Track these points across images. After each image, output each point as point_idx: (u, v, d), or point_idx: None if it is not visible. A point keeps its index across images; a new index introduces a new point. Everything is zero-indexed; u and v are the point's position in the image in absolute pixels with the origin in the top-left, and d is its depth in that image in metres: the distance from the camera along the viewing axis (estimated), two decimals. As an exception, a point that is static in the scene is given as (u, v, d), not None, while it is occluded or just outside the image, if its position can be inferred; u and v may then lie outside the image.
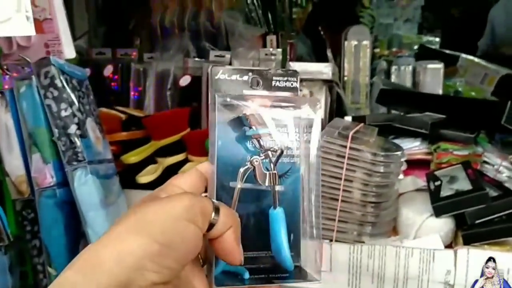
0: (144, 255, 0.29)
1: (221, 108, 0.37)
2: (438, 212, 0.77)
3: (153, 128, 1.02)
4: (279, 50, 1.28)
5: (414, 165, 0.93)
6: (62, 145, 0.71)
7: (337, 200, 0.75)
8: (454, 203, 0.76)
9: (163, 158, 0.98)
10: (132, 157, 0.97)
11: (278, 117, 0.38)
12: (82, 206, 0.71)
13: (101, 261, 0.28)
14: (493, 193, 0.78)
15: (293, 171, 0.38)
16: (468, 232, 0.75)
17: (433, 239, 0.75)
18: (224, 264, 0.35)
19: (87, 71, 0.90)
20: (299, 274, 0.38)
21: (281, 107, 0.38)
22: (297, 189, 0.39)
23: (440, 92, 1.30)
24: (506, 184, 0.85)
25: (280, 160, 0.38)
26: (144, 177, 0.93)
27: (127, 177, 0.90)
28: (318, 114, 0.39)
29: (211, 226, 0.32)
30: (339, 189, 0.75)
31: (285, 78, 0.39)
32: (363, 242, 0.76)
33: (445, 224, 0.77)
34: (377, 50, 1.97)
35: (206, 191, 0.37)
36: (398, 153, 0.77)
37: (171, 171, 0.95)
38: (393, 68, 1.38)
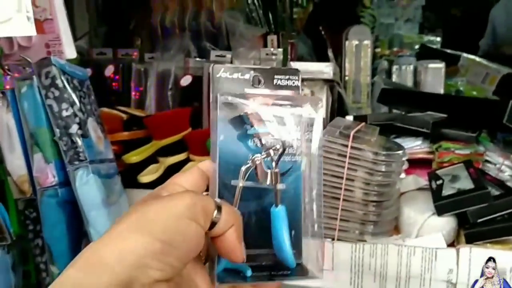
0: (146, 253, 0.29)
1: (222, 107, 0.37)
2: (440, 211, 0.77)
3: (154, 128, 1.02)
4: (280, 50, 1.27)
5: (415, 164, 0.93)
6: (64, 145, 0.71)
7: (339, 199, 0.75)
8: (456, 202, 0.76)
9: (164, 157, 0.98)
10: (133, 157, 0.97)
11: (280, 115, 0.38)
12: (84, 206, 0.71)
13: (103, 259, 0.28)
14: (495, 192, 0.78)
15: (294, 170, 0.38)
16: (470, 231, 0.74)
17: (435, 238, 0.75)
18: (226, 261, 0.35)
19: (88, 71, 0.90)
20: (301, 271, 0.38)
21: (282, 105, 0.38)
22: (298, 187, 0.39)
23: (442, 91, 1.30)
24: (508, 183, 0.84)
25: (281, 159, 0.38)
26: (146, 177, 0.93)
27: (129, 177, 0.90)
28: (320, 113, 0.39)
29: (213, 224, 0.32)
30: (340, 188, 0.75)
31: (287, 77, 0.39)
32: (365, 241, 0.76)
33: (447, 223, 0.77)
34: (378, 49, 1.96)
35: (207, 189, 0.37)
36: (400, 152, 0.77)
37: (172, 171, 0.94)
38: (394, 67, 1.38)
